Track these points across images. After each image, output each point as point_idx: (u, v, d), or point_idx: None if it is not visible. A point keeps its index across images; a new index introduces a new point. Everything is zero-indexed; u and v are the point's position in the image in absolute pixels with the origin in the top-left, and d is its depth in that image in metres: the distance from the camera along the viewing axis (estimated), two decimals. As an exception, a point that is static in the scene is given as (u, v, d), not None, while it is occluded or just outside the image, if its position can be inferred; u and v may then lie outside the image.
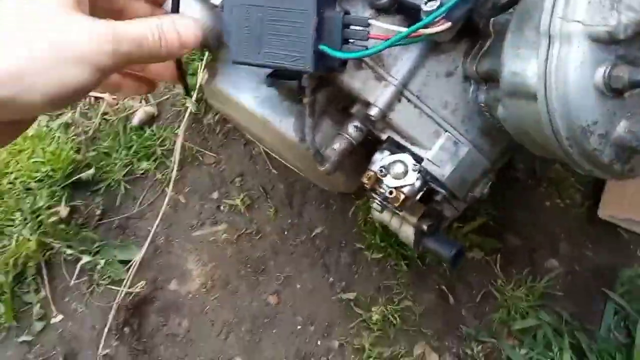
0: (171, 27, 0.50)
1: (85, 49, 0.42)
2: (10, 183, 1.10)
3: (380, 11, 0.63)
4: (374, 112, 0.65)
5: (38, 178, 1.08)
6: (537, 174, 1.08)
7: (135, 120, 1.13)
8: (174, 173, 1.09)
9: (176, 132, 1.12)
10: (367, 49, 0.57)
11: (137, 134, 1.13)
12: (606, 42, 0.44)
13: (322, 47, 0.57)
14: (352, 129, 0.69)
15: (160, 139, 1.12)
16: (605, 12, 0.44)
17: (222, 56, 0.80)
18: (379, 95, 0.65)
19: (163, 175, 1.11)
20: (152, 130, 1.13)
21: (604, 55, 0.45)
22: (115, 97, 1.15)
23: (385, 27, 0.57)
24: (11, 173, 1.10)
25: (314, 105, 0.66)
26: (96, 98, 1.15)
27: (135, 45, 0.46)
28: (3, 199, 1.10)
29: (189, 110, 1.11)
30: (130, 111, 1.14)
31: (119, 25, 0.45)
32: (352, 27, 0.58)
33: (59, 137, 1.11)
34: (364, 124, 0.69)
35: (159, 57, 0.49)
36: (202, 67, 1.08)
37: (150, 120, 1.14)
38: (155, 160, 1.12)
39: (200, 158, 1.12)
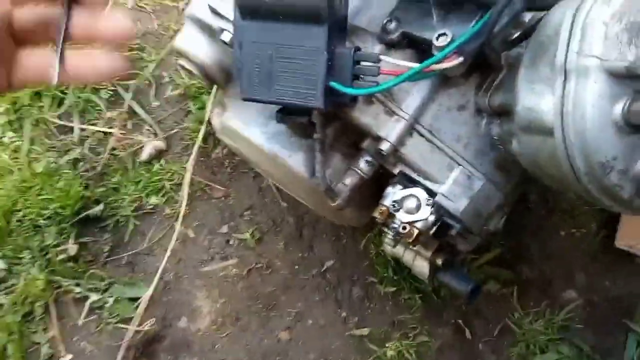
0: None
1: None
2: (18, 221, 1.09)
3: (390, 46, 0.62)
4: (385, 147, 0.64)
5: (47, 215, 1.07)
6: (550, 203, 1.07)
7: (144, 155, 1.12)
8: (183, 208, 1.08)
9: (185, 166, 1.11)
10: (378, 84, 0.57)
11: (145, 168, 1.12)
12: (624, 77, 0.43)
13: (332, 84, 0.57)
14: (363, 164, 0.68)
15: (169, 174, 1.12)
16: (623, 46, 0.43)
17: (230, 91, 0.80)
18: (390, 130, 0.64)
19: (172, 210, 1.10)
20: (161, 165, 1.12)
21: (622, 90, 0.44)
22: (123, 131, 1.15)
23: (396, 62, 0.56)
24: (19, 211, 1.09)
25: (324, 140, 0.65)
26: (104, 133, 1.15)
27: None
28: (12, 237, 1.09)
29: (197, 144, 1.11)
30: (139, 146, 1.13)
31: None
32: (362, 63, 0.57)
33: (67, 173, 1.11)
34: (375, 159, 0.68)
35: None
36: (211, 101, 1.08)
37: (159, 154, 1.13)
38: (164, 195, 1.11)
39: (209, 192, 1.11)
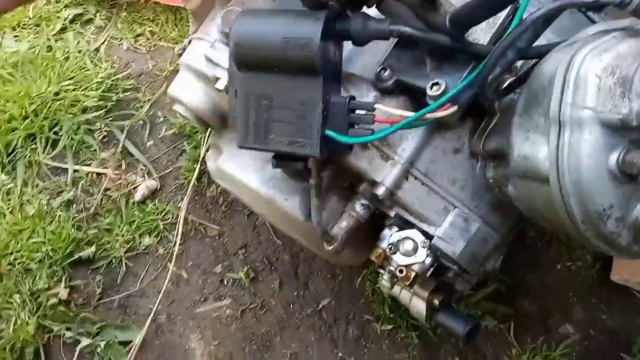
0: None
1: None
2: (10, 264, 1.07)
3: (385, 92, 0.63)
4: (381, 191, 0.65)
5: (38, 259, 1.06)
6: (547, 236, 1.07)
7: (138, 195, 1.12)
8: (176, 248, 1.07)
9: (179, 205, 1.11)
10: (373, 132, 0.57)
11: (139, 209, 1.11)
12: (618, 128, 0.44)
13: (328, 133, 0.57)
14: (359, 207, 0.68)
15: (163, 213, 1.11)
16: (617, 99, 0.43)
17: (226, 135, 0.81)
18: (385, 175, 0.64)
19: (165, 250, 1.09)
20: (155, 205, 1.12)
21: (616, 140, 0.44)
22: (117, 172, 1.14)
23: (391, 111, 0.57)
24: (11, 254, 1.07)
25: (320, 186, 0.65)
26: (98, 174, 1.15)
27: None
28: (2, 280, 1.07)
29: (192, 183, 1.10)
30: (133, 186, 1.13)
31: None
32: (357, 111, 0.58)
33: (59, 215, 1.10)
34: (371, 202, 0.68)
35: None
36: (206, 143, 1.08)
37: (153, 194, 1.13)
38: (157, 236, 1.10)
39: (203, 231, 1.11)
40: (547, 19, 0.50)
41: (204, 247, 1.10)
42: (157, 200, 1.12)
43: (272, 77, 0.58)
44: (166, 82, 1.21)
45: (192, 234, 1.10)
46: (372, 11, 0.59)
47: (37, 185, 1.13)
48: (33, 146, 1.16)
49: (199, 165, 1.11)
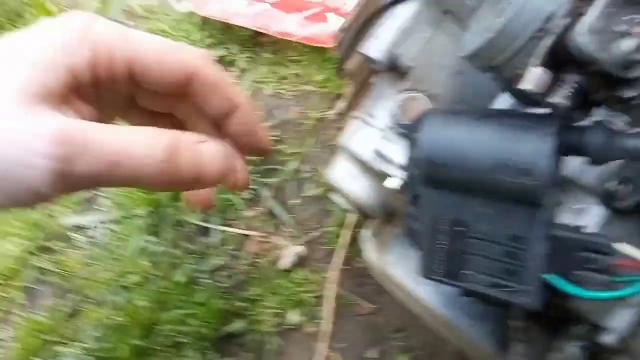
0: (187, 142, 0.37)
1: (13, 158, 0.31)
2: (160, 336, 1.04)
3: (618, 213, 0.47)
4: (611, 339, 0.49)
5: (187, 332, 1.02)
6: None
7: (285, 262, 1.04)
8: (327, 326, 0.98)
9: (324, 276, 1.01)
10: (611, 287, 0.42)
11: (285, 278, 1.04)
12: None
13: (552, 280, 0.43)
14: (575, 349, 0.53)
15: (311, 284, 1.02)
16: None
17: (391, 229, 0.69)
18: (618, 320, 0.48)
19: (314, 326, 1.00)
20: (301, 274, 1.03)
21: None
22: (263, 234, 1.08)
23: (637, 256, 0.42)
24: (158, 324, 1.04)
25: (527, 330, 0.51)
26: (245, 235, 1.09)
27: (108, 159, 0.32)
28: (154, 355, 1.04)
29: (338, 254, 1.00)
30: (279, 251, 1.06)
31: (88, 128, 0.33)
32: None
33: (206, 282, 1.05)
34: (590, 344, 0.53)
35: (156, 181, 0.35)
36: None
37: (301, 262, 1.05)
38: (304, 309, 1.01)
39: (354, 307, 1.00)
40: None
41: (355, 326, 0.99)
42: (304, 270, 1.04)
43: (471, 202, 0.45)
44: (312, 132, 1.12)
45: (341, 310, 1.00)
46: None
47: (182, 247, 1.10)
48: (178, 203, 1.13)
49: (350, 232, 1.01)
